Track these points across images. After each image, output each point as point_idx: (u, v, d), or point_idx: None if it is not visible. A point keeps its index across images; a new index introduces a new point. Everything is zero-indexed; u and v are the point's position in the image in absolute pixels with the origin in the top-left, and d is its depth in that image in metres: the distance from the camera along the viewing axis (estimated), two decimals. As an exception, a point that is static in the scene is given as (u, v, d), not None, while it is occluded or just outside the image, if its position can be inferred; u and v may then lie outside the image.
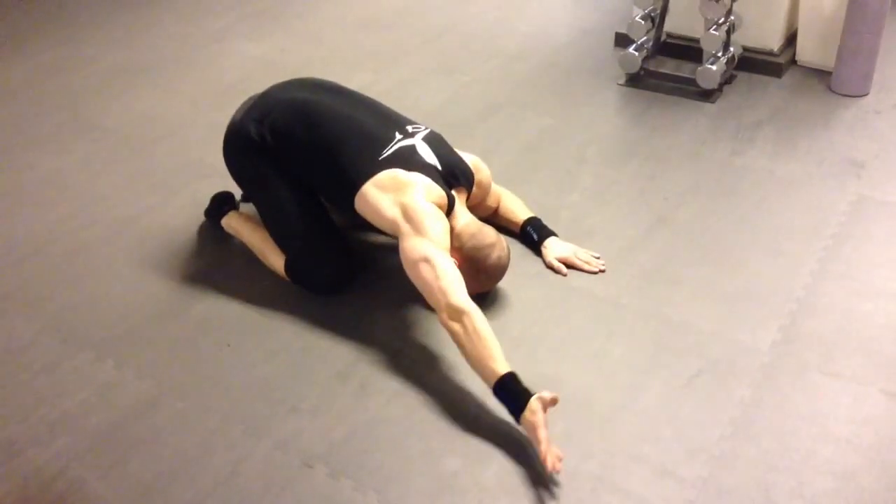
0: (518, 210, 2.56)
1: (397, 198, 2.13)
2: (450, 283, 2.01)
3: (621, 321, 2.25)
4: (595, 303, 2.32)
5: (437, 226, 2.09)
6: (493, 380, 1.92)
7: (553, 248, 2.46)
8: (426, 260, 2.04)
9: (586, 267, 2.43)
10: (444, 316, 1.99)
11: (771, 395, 2.01)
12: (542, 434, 1.82)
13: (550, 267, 2.44)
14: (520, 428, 1.89)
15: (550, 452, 1.80)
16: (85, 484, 1.84)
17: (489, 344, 1.94)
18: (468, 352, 1.96)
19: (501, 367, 1.92)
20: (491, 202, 2.53)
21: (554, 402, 1.86)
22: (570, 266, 2.44)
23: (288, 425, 1.97)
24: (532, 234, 2.51)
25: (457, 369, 2.10)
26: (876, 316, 2.24)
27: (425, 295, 2.06)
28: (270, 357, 2.17)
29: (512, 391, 1.90)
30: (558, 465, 1.79)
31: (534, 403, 1.86)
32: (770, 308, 2.27)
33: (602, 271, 2.43)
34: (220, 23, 4.14)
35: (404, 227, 2.10)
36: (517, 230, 2.54)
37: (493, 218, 2.55)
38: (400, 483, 1.83)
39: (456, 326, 1.97)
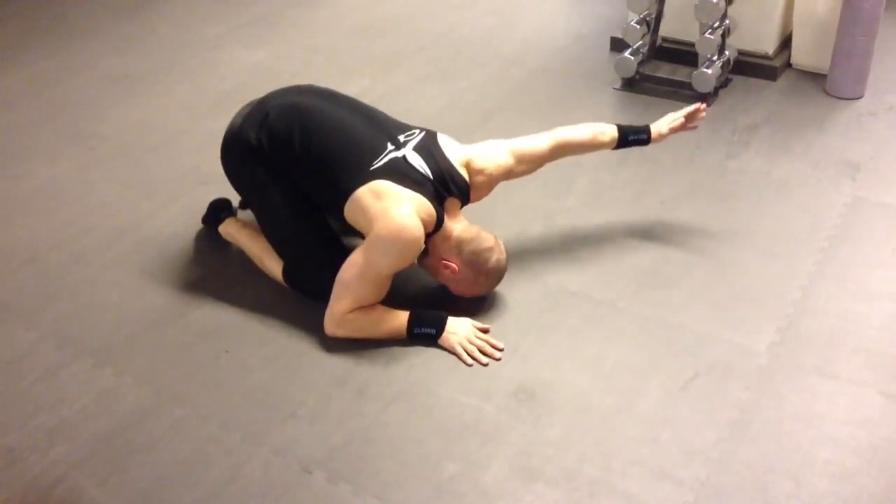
0: (597, 133, 2.49)
1: (385, 210, 2.12)
2: (341, 306, 2.17)
3: (618, 324, 2.26)
4: (592, 306, 2.32)
5: (387, 254, 2.13)
6: (405, 326, 2.18)
7: (660, 126, 2.53)
8: (340, 282, 2.18)
9: (689, 120, 2.54)
10: (329, 331, 2.20)
11: (768, 397, 2.02)
12: (465, 346, 2.15)
13: (674, 131, 2.53)
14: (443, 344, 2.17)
15: (487, 349, 2.15)
16: (84, 491, 1.84)
17: (377, 315, 2.19)
18: (369, 321, 2.18)
19: (402, 314, 2.19)
20: (517, 170, 2.41)
21: (483, 330, 2.20)
22: (682, 125, 2.54)
23: (286, 431, 1.97)
24: (640, 136, 2.51)
25: (454, 373, 2.11)
26: (872, 317, 2.25)
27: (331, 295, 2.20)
28: (268, 363, 2.17)
29: (426, 320, 2.18)
30: (497, 354, 2.15)
31: (452, 324, 2.19)
32: (767, 310, 2.28)
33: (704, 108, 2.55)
34: (217, 30, 4.15)
35: (368, 237, 2.15)
36: (612, 148, 2.52)
37: (568, 153, 2.50)
38: (398, 488, 1.83)
39: (341, 331, 2.19)
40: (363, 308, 2.19)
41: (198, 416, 2.02)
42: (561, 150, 2.47)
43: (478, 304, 2.31)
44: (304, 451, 1.92)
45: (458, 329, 2.19)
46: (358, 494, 1.82)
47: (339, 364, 2.15)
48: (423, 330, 2.18)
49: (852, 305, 2.29)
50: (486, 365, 2.13)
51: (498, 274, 2.27)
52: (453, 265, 2.22)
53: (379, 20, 4.21)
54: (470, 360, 2.14)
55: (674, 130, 2.53)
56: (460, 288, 2.28)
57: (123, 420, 2.01)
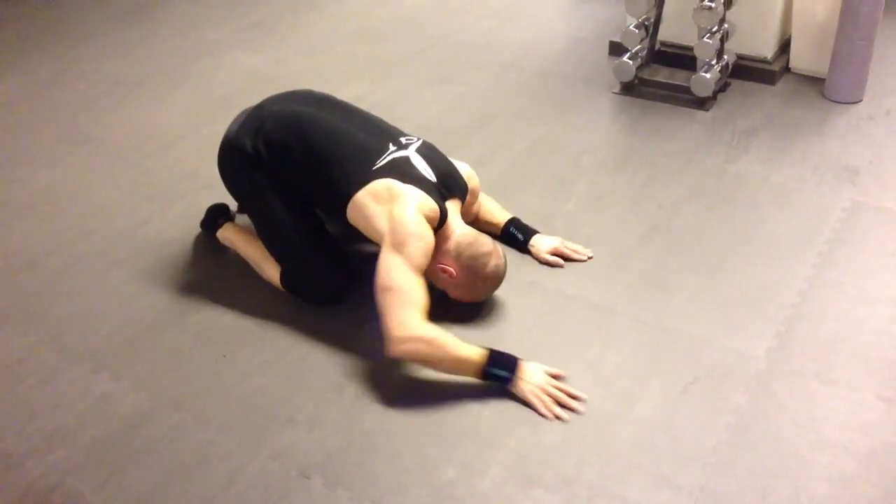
0: (497, 212, 2.59)
1: (390, 209, 2.13)
2: (405, 315, 2.01)
3: (617, 329, 2.25)
4: (590, 311, 2.32)
5: (417, 246, 2.08)
6: (478, 366, 2.02)
7: (542, 244, 2.51)
8: (389, 289, 2.04)
9: (576, 256, 2.50)
10: (393, 346, 2.01)
11: (767, 402, 2.01)
12: (539, 396, 2.01)
13: (546, 262, 2.48)
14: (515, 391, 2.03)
15: (566, 401, 2.00)
16: (81, 496, 1.83)
17: (451, 341, 2.02)
18: (437, 358, 2.02)
19: (478, 352, 2.03)
20: (475, 209, 2.55)
21: (557, 377, 2.06)
22: (562, 257, 2.49)
23: (284, 436, 1.97)
24: (517, 235, 2.54)
25: (453, 378, 2.10)
26: (871, 322, 2.25)
27: (382, 317, 2.05)
28: (266, 368, 2.17)
29: (503, 362, 2.02)
30: (574, 404, 2.00)
31: (525, 369, 2.03)
32: (765, 315, 2.28)
33: (590, 258, 2.50)
34: (215, 35, 4.15)
35: (388, 238, 2.10)
36: (498, 232, 2.56)
37: (473, 223, 2.55)
38: (396, 493, 1.82)
39: (409, 346, 2.00)
40: (435, 334, 2.02)
41: (196, 421, 2.01)
42: (480, 213, 2.57)
43: (476, 310, 2.31)
44: (302, 457, 1.92)
45: (531, 376, 2.03)
46: (356, 500, 1.81)
47: (337, 369, 2.15)
48: (497, 372, 2.02)
49: (851, 310, 2.29)
50: (565, 420, 1.97)
51: (496, 279, 2.27)
52: (451, 270, 2.21)
53: (377, 24, 4.22)
54: (547, 413, 1.98)
55: (546, 262, 2.48)
56: (458, 293, 2.28)
57: (121, 425, 2.01)
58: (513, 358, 2.04)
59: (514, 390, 2.02)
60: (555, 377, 2.06)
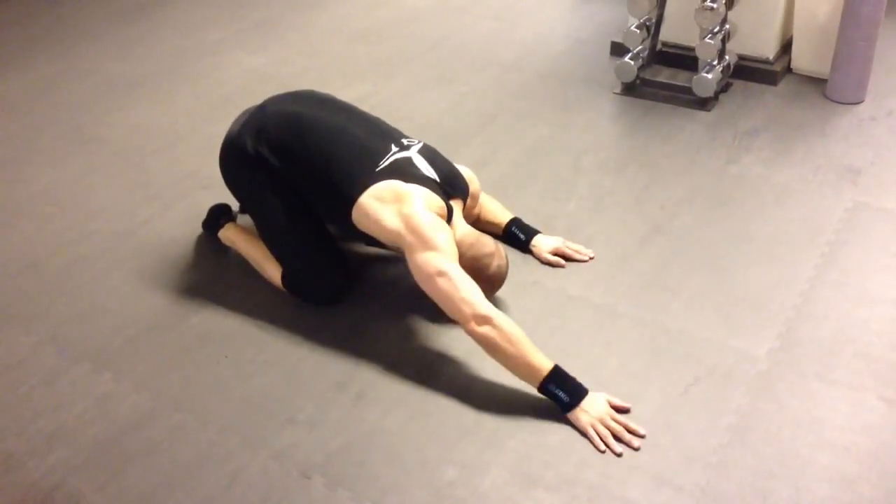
0: (498, 212, 2.58)
1: (399, 208, 2.12)
2: (471, 292, 2.00)
3: (618, 330, 2.25)
4: (592, 311, 2.32)
5: (443, 236, 2.07)
6: (540, 376, 1.96)
7: (544, 244, 2.51)
8: (441, 273, 2.02)
9: (578, 256, 2.50)
10: (472, 325, 1.98)
11: (768, 403, 2.01)
12: (597, 428, 1.93)
13: (547, 262, 2.48)
14: (571, 418, 1.96)
15: (624, 436, 1.91)
16: (82, 497, 1.84)
17: (526, 342, 1.97)
18: (507, 354, 1.97)
19: (545, 363, 1.97)
20: (475, 211, 2.55)
21: (621, 410, 1.98)
22: (563, 257, 2.49)
23: (285, 436, 1.97)
24: (518, 235, 2.54)
25: (454, 379, 2.10)
26: (873, 322, 2.24)
27: (446, 308, 2.03)
28: (267, 368, 2.17)
29: (567, 385, 1.96)
30: (635, 442, 1.91)
31: (588, 401, 1.96)
32: (767, 315, 2.28)
33: (592, 258, 2.50)
34: (217, 35, 4.15)
35: (410, 239, 2.08)
36: (499, 232, 2.55)
37: (475, 223, 2.55)
38: (397, 493, 1.82)
39: (489, 332, 1.96)
40: (517, 333, 1.98)
41: (197, 422, 2.01)
42: (482, 213, 2.56)
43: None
44: (302, 457, 1.92)
45: (593, 408, 1.95)
46: (356, 500, 1.81)
47: (338, 369, 2.15)
48: (556, 391, 1.95)
49: (853, 310, 2.29)
50: (619, 455, 1.89)
51: (498, 280, 2.26)
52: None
53: (379, 25, 4.22)
54: (602, 447, 1.90)
55: (547, 262, 2.48)
56: (460, 293, 2.28)
57: (122, 425, 2.01)
58: (579, 385, 1.97)
59: (570, 417, 1.95)
60: (617, 409, 1.98)
